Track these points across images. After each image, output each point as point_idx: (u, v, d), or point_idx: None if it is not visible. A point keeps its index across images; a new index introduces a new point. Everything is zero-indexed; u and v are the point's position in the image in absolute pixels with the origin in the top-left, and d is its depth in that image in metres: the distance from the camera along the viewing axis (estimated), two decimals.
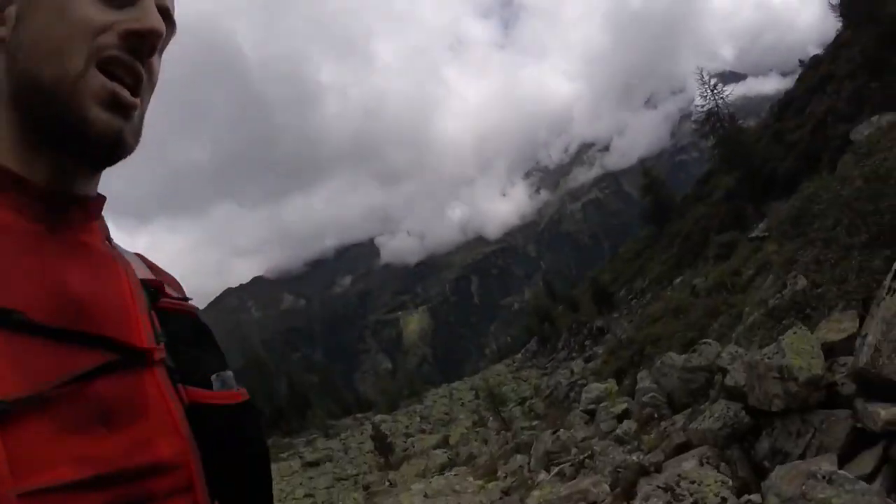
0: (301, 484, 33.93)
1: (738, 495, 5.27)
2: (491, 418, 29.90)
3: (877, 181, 7.51)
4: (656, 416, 9.77)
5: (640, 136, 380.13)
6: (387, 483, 24.95)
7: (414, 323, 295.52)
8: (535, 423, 22.82)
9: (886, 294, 4.71)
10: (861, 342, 4.98)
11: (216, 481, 0.73)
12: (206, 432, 0.73)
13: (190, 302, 0.89)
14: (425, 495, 15.26)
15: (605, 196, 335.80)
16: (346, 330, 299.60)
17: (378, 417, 54.83)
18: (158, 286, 0.81)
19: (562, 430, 13.86)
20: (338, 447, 44.21)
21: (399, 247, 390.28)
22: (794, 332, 5.69)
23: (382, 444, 30.54)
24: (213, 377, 0.78)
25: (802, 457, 5.09)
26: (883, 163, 7.88)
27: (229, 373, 0.80)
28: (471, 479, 15.56)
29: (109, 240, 0.80)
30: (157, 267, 0.90)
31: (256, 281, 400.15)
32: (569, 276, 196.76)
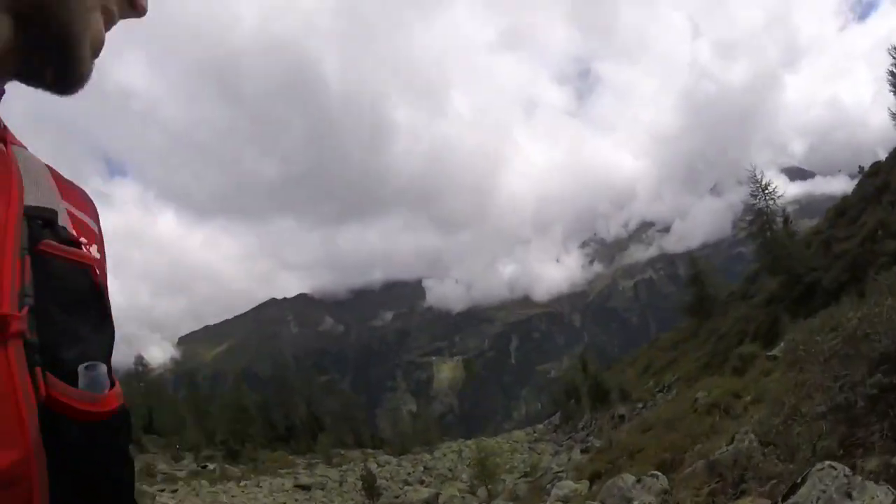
0: None
1: None
2: (480, 487, 29.42)
3: (875, 326, 6.21)
4: None
5: (701, 222, 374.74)
6: None
7: (446, 371, 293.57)
8: None
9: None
10: None
11: (64, 502, 0.57)
12: (61, 440, 0.57)
13: (90, 251, 0.70)
14: None
15: (658, 277, 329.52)
16: (377, 364, 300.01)
17: (384, 458, 54.51)
18: (48, 220, 0.63)
19: None
20: (335, 477, 44.17)
21: (445, 292, 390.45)
22: None
23: (371, 487, 30.36)
24: (81, 369, 0.60)
25: None
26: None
27: (102, 367, 0.62)
28: None
29: (5, 142, 0.65)
30: (72, 187, 0.74)
31: (301, 298, 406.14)
32: (610, 353, 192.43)
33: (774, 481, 5.97)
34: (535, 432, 55.27)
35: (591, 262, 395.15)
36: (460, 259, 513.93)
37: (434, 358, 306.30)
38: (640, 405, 37.05)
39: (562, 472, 22.65)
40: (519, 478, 31.36)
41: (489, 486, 27.79)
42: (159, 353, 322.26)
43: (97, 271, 0.67)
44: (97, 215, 0.76)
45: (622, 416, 38.17)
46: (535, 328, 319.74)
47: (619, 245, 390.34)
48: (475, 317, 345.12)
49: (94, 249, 0.70)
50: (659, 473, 9.72)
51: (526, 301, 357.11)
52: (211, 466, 52.09)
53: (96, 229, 0.74)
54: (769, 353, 18.48)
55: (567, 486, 14.86)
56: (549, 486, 18.86)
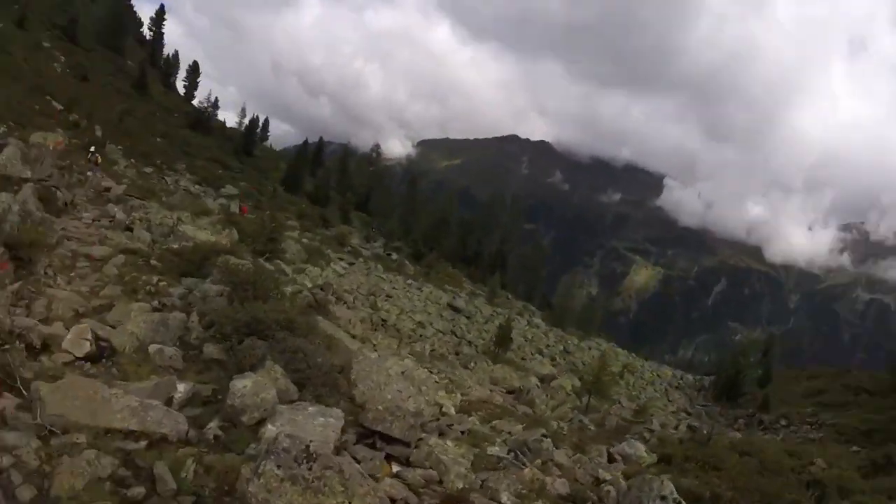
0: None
1: None
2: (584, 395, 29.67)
3: None
4: None
5: None
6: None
7: (643, 275, 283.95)
8: None
9: None
10: None
11: None
12: None
13: None
14: None
15: None
16: (584, 236, 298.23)
17: (537, 321, 56.48)
18: None
19: None
20: (486, 313, 46.78)
21: (681, 200, 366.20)
22: None
23: (503, 339, 32.51)
24: None
25: None
26: None
27: None
28: None
29: None
30: None
31: (541, 144, 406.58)
32: (808, 353, 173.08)
33: None
34: (681, 379, 53.43)
35: (842, 251, 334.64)
36: (712, 174, 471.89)
37: (638, 257, 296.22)
38: (785, 424, 34.48)
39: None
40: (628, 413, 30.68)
41: (591, 398, 28.25)
42: (399, 148, 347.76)
43: None
44: None
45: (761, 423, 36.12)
46: (749, 284, 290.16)
47: (880, 250, 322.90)
48: (699, 239, 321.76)
49: None
50: None
51: (755, 252, 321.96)
52: (394, 256, 58.42)
53: None
54: None
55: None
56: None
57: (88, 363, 6.14)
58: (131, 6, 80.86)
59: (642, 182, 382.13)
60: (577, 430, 18.70)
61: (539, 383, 29.39)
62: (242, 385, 6.02)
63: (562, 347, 46.99)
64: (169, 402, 5.78)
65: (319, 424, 6.08)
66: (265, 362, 7.18)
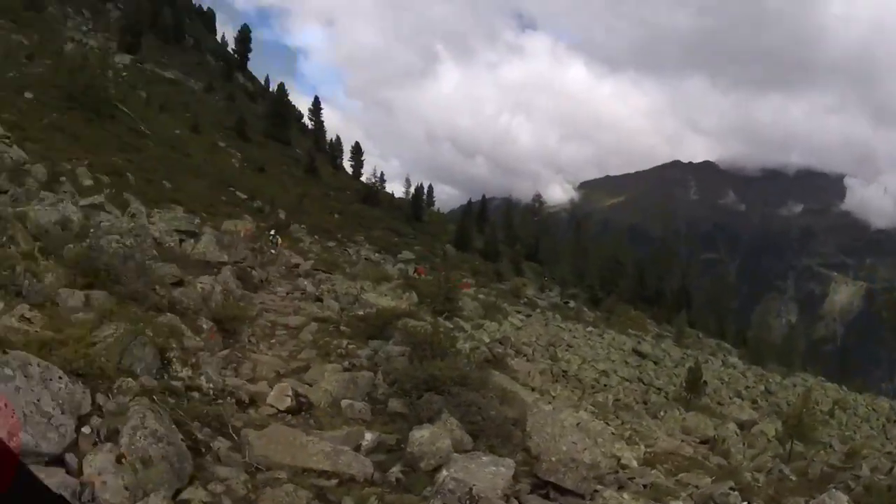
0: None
1: None
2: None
3: None
4: None
5: None
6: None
7: (845, 293, 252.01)
8: None
9: None
10: None
11: None
12: None
13: None
14: None
15: None
16: (771, 258, 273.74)
17: (733, 360, 52.45)
18: None
19: None
20: (675, 356, 44.35)
21: (869, 199, 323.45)
22: None
23: (694, 382, 30.55)
24: None
25: None
26: None
27: None
28: None
29: None
30: None
31: (706, 165, 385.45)
32: None
33: None
34: None
35: None
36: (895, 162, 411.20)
37: (835, 273, 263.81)
38: None
39: None
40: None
41: (792, 443, 25.15)
42: (560, 194, 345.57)
43: None
44: None
45: None
46: None
47: None
48: None
49: None
50: None
51: None
52: (571, 304, 57.88)
53: None
54: None
55: None
56: None
57: (289, 415, 7.01)
58: (289, 101, 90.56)
59: (821, 187, 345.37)
60: (776, 482, 16.99)
61: (738, 430, 27.06)
62: (420, 435, 6.53)
63: (763, 388, 42.92)
64: (357, 448, 6.42)
65: (490, 472, 6.37)
66: (441, 415, 7.67)
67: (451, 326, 20.24)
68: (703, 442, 22.27)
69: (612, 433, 15.70)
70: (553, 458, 7.41)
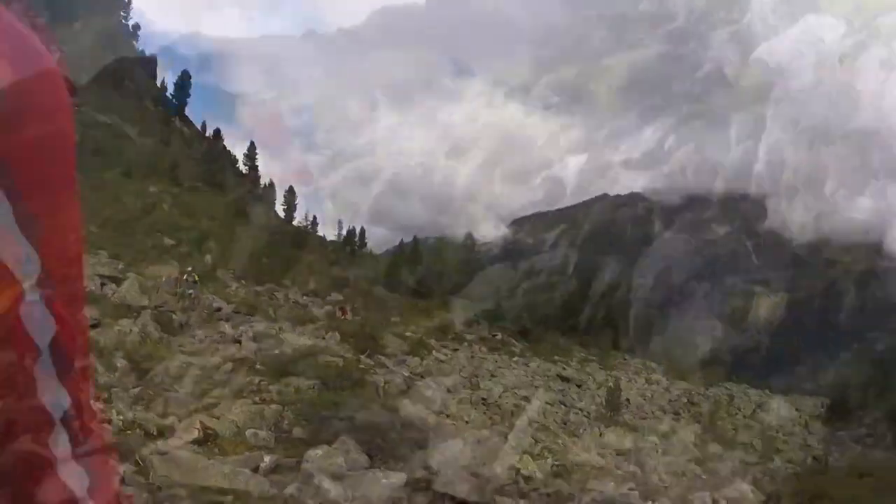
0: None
1: None
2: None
3: None
4: None
5: None
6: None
7: (766, 306, 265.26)
8: None
9: None
10: None
11: None
12: None
13: None
14: None
15: None
16: (696, 281, 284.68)
17: (656, 376, 54.50)
18: None
19: None
20: (599, 379, 45.48)
21: (790, 217, 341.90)
22: None
23: (613, 401, 32.11)
24: None
25: None
26: None
27: None
28: None
29: None
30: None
31: (634, 196, 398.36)
32: None
33: None
34: (822, 406, 49.25)
35: None
36: (814, 180, 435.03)
37: (759, 288, 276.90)
38: None
39: None
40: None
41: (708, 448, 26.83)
42: (492, 231, 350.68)
43: None
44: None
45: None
46: (880, 285, 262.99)
47: None
48: (816, 254, 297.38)
49: None
50: None
51: (876, 248, 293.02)
52: (498, 336, 58.93)
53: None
54: None
55: None
56: None
57: (196, 445, 7.71)
58: (225, 147, 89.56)
59: (744, 209, 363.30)
60: (686, 481, 18.31)
61: (657, 440, 28.51)
62: (315, 453, 7.38)
63: (685, 399, 45.11)
64: (256, 469, 7.18)
65: (382, 486, 7.23)
66: (339, 438, 8.50)
67: (372, 363, 20.94)
68: (619, 454, 23.41)
69: (512, 447, 16.71)
70: (448, 472, 8.33)
